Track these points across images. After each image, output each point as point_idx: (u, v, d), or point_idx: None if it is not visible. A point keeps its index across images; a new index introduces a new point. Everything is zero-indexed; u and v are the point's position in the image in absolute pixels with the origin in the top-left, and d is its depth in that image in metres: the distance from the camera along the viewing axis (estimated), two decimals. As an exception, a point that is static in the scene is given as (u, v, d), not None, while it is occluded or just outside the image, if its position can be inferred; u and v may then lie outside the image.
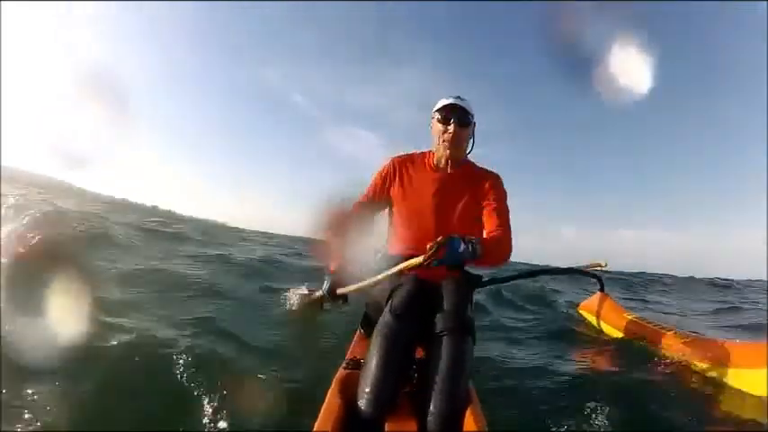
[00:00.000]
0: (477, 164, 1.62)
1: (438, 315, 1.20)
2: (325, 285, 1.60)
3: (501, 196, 1.53)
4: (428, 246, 1.21)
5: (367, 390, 1.07)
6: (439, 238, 1.21)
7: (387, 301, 1.25)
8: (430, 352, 1.17)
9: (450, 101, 1.47)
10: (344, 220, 1.50)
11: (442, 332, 1.16)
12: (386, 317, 1.19)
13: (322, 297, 1.69)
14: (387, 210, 1.64)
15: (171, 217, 8.63)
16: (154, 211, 9.62)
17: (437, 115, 1.50)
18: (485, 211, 1.50)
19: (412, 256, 1.29)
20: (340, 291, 1.59)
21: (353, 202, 1.60)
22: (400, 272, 1.32)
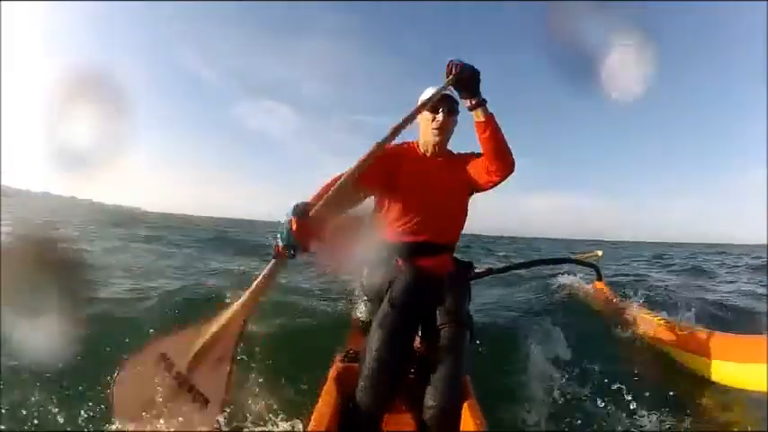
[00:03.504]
0: (455, 151, 1.62)
1: (439, 309, 1.20)
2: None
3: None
4: (450, 69, 1.25)
5: (366, 384, 1.05)
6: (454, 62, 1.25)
7: (386, 292, 1.22)
8: (428, 346, 1.17)
9: None
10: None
11: (441, 326, 1.16)
12: (385, 308, 1.17)
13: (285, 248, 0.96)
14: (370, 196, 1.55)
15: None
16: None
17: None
18: (477, 160, 1.47)
19: (415, 243, 1.32)
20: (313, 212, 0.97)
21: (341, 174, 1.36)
22: (399, 261, 1.30)
